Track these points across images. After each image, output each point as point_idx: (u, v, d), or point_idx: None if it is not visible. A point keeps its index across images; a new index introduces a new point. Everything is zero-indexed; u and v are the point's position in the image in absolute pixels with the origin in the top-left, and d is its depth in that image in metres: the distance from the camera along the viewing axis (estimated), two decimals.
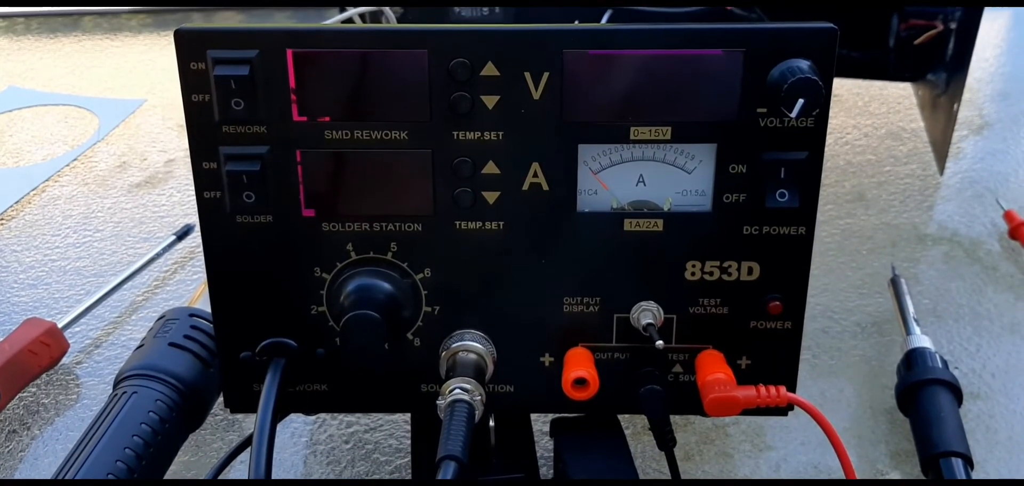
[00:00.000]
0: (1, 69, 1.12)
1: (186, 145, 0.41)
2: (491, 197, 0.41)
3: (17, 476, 0.53)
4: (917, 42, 0.79)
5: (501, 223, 0.42)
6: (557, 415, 0.48)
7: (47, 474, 0.52)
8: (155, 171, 0.86)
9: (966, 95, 0.73)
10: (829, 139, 0.40)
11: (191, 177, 0.41)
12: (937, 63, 0.79)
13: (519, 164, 0.41)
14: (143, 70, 1.11)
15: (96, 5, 1.27)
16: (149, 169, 0.87)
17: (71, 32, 1.23)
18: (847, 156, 0.85)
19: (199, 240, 0.43)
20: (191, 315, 0.52)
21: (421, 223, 0.42)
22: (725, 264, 0.42)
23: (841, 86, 0.96)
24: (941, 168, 0.79)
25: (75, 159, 0.89)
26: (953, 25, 0.77)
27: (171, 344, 0.49)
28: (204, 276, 0.45)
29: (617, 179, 0.41)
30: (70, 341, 0.61)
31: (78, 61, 1.14)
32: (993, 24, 1.18)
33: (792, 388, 0.44)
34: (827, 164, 0.39)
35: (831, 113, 0.40)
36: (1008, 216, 0.73)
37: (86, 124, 0.97)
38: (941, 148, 0.78)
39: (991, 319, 0.64)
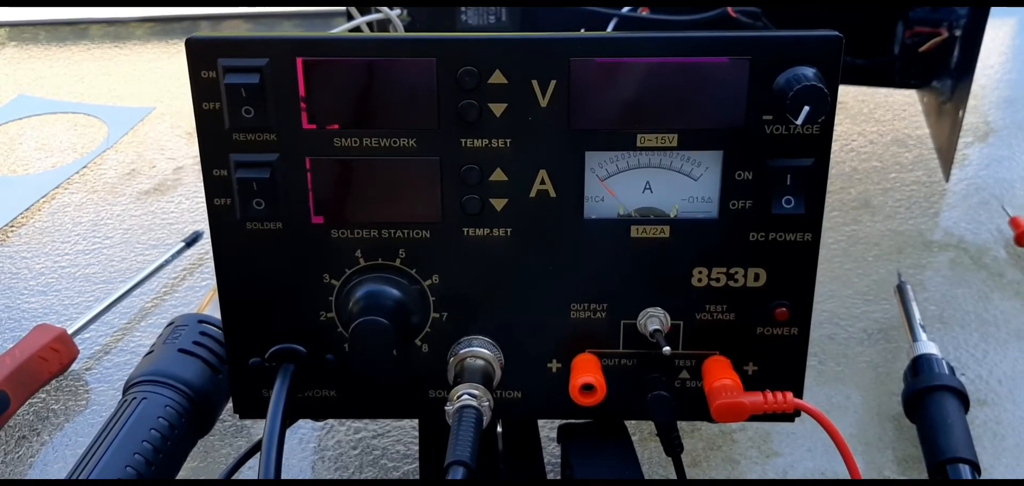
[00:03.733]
0: (10, 78, 1.13)
1: (194, 152, 0.41)
2: (499, 204, 0.42)
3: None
4: (922, 49, 0.79)
5: (508, 230, 0.42)
6: (564, 421, 0.48)
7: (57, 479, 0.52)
8: (164, 178, 0.87)
9: (971, 102, 0.74)
10: (835, 146, 0.40)
11: (199, 184, 0.41)
12: (942, 70, 0.79)
13: (526, 171, 0.41)
14: (151, 78, 1.11)
15: (104, 7, 1.28)
16: (158, 176, 0.87)
17: (79, 41, 1.24)
18: (853, 163, 0.86)
19: (208, 247, 0.43)
20: (200, 321, 0.52)
21: (429, 230, 0.42)
22: (731, 270, 0.43)
23: (846, 93, 0.96)
24: (947, 175, 0.79)
25: (84, 167, 0.89)
26: (958, 32, 0.77)
27: (181, 350, 0.50)
28: (213, 282, 0.45)
29: (624, 186, 0.42)
30: (80, 347, 0.61)
31: (86, 69, 1.15)
32: (998, 31, 1.18)
33: (799, 394, 0.44)
34: (833, 171, 0.40)
35: (836, 120, 0.40)
36: (1014, 223, 0.74)
37: (95, 132, 0.97)
38: (947, 155, 0.78)
39: (998, 325, 0.64)
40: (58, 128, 0.99)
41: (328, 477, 0.53)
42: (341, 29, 0.77)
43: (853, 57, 0.81)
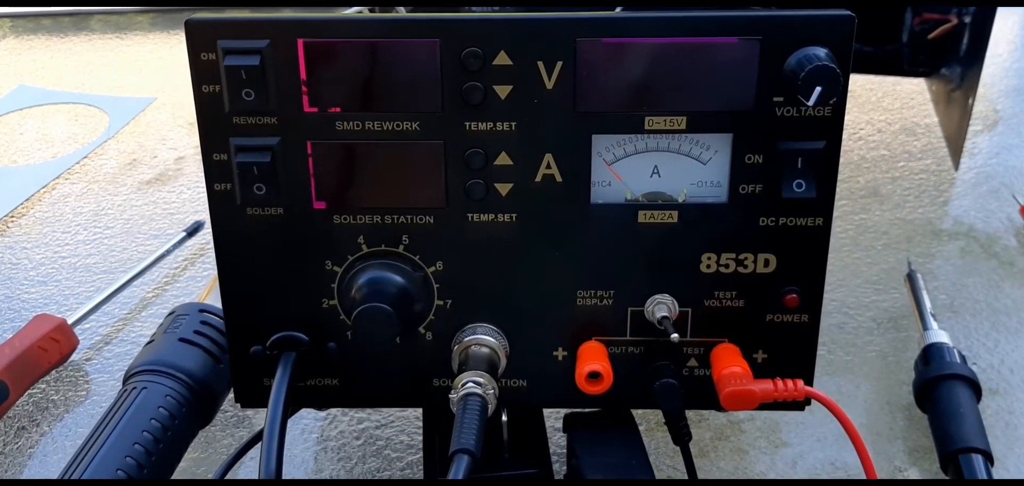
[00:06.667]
0: (11, 68, 1.12)
1: (196, 142, 0.40)
2: (504, 189, 0.41)
3: (26, 473, 0.53)
4: (931, 36, 0.78)
5: (514, 215, 0.41)
6: (570, 410, 0.48)
7: (56, 470, 0.52)
8: (165, 168, 0.86)
9: (980, 90, 0.73)
10: (843, 134, 0.40)
11: (201, 175, 0.41)
12: (951, 57, 0.78)
13: (532, 155, 0.40)
14: (152, 68, 1.11)
15: (104, 5, 1.28)
16: (159, 166, 0.86)
17: (80, 31, 1.23)
18: (861, 151, 0.85)
19: (209, 238, 0.42)
20: (201, 311, 0.51)
21: (433, 215, 0.41)
22: (741, 256, 0.42)
23: (854, 81, 0.95)
24: (956, 163, 0.78)
25: (85, 157, 0.89)
26: (967, 19, 0.76)
27: (181, 339, 0.49)
28: (214, 273, 0.44)
29: (631, 170, 0.41)
30: (80, 337, 0.60)
31: (87, 60, 1.14)
32: (1007, 19, 1.17)
33: (809, 382, 0.44)
34: (841, 159, 0.39)
35: (845, 109, 0.39)
36: None
37: (96, 122, 0.97)
38: (956, 143, 0.77)
39: (1009, 314, 0.63)
40: (59, 118, 0.98)
41: (330, 468, 0.52)
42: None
43: (861, 44, 0.80)
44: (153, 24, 1.25)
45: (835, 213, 0.41)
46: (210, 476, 0.51)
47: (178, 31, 1.22)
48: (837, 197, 0.41)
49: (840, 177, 0.40)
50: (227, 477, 0.48)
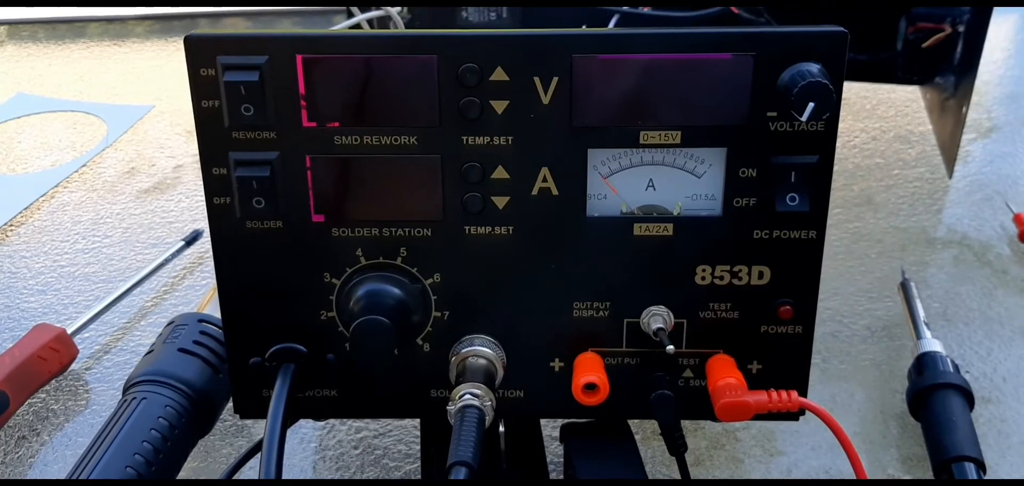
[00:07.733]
0: (9, 76, 1.13)
1: (194, 151, 0.41)
2: (500, 202, 0.41)
3: None
4: (925, 45, 0.79)
5: (511, 228, 0.42)
6: (567, 420, 0.48)
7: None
8: (163, 177, 0.86)
9: (974, 98, 0.73)
10: (837, 143, 0.40)
11: (199, 183, 0.41)
12: (945, 66, 0.79)
13: (528, 169, 0.41)
14: (150, 76, 1.11)
15: (102, 6, 1.28)
16: (157, 175, 0.87)
17: (78, 39, 1.23)
18: (855, 159, 0.85)
19: (208, 245, 0.43)
20: (200, 321, 0.52)
21: (431, 228, 0.42)
22: (735, 268, 0.42)
23: (849, 90, 0.96)
24: (950, 171, 0.79)
25: (83, 165, 0.89)
26: (961, 28, 0.76)
27: (181, 350, 0.49)
28: (213, 282, 0.45)
29: (627, 183, 0.41)
30: (79, 347, 0.61)
31: (85, 68, 1.14)
32: (1001, 27, 1.18)
33: (803, 393, 0.44)
34: (835, 168, 0.40)
35: (839, 117, 0.40)
36: (1018, 219, 0.73)
37: (94, 130, 0.97)
38: (950, 151, 0.78)
39: (1002, 323, 0.64)
40: (57, 126, 0.98)
41: (329, 477, 0.52)
42: (341, 26, 0.76)
43: (856, 53, 0.80)
44: (150, 32, 1.25)
45: (829, 221, 0.42)
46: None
47: (176, 39, 1.23)
48: (831, 205, 0.41)
49: (834, 185, 0.41)
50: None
